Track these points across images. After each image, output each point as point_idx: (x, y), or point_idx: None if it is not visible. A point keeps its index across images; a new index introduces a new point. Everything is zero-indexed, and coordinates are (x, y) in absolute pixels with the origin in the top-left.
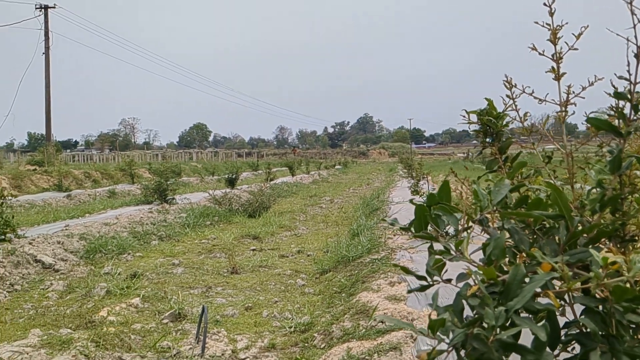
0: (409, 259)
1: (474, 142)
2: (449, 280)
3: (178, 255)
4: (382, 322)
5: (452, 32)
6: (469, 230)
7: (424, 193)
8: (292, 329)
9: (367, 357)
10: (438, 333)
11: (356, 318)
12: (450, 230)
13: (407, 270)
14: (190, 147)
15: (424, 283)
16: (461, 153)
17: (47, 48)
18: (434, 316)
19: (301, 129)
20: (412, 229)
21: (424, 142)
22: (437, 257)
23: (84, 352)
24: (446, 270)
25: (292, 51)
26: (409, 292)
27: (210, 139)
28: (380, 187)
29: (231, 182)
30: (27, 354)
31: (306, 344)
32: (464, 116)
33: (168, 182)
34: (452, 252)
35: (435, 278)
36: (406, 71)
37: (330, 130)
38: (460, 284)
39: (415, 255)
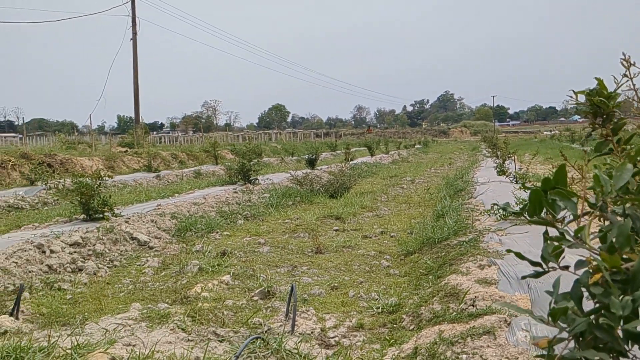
0: (497, 242)
1: (561, 119)
2: (566, 267)
3: (263, 234)
4: (472, 305)
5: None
6: (589, 217)
7: (510, 173)
8: (380, 310)
9: (459, 341)
10: (558, 322)
11: (445, 301)
12: (567, 215)
13: (521, 256)
14: (269, 128)
15: (538, 269)
16: (547, 131)
17: (134, 34)
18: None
19: (379, 108)
20: (526, 213)
21: (507, 119)
22: (555, 243)
23: (181, 326)
24: (563, 257)
25: (371, 30)
26: (523, 277)
27: (289, 119)
28: (463, 167)
29: (311, 163)
30: (130, 326)
31: (394, 325)
32: (571, 96)
33: (251, 163)
34: (570, 239)
35: (551, 264)
36: (489, 45)
37: (410, 108)
38: (579, 272)
39: (504, 237)
